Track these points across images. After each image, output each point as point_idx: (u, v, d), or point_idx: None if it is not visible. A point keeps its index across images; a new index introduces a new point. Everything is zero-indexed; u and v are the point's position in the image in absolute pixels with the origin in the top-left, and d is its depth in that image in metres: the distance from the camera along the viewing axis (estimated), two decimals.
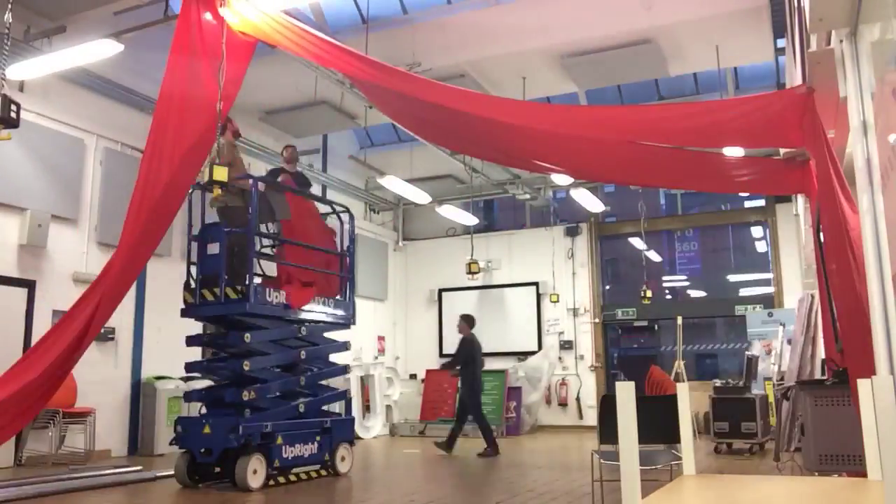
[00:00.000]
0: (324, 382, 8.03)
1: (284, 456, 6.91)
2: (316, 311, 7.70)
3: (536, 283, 15.24)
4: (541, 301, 15.18)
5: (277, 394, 7.30)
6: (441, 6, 9.46)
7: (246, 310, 6.79)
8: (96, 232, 9.36)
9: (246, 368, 6.79)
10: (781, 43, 8.85)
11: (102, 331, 8.36)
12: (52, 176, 8.85)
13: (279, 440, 6.85)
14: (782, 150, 5.83)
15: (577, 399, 14.54)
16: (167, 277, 9.70)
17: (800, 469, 5.97)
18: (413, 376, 15.30)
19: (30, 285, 8.60)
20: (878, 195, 3.45)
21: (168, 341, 9.76)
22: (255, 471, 6.52)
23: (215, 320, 7.32)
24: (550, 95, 10.63)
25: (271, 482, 6.73)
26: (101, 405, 8.98)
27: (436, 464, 9.01)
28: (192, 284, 6.99)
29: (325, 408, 7.88)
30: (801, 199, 8.99)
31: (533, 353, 14.68)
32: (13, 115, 5.24)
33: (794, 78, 5.83)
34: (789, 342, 9.07)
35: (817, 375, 7.58)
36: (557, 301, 14.98)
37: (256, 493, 6.38)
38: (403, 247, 16.34)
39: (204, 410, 7.19)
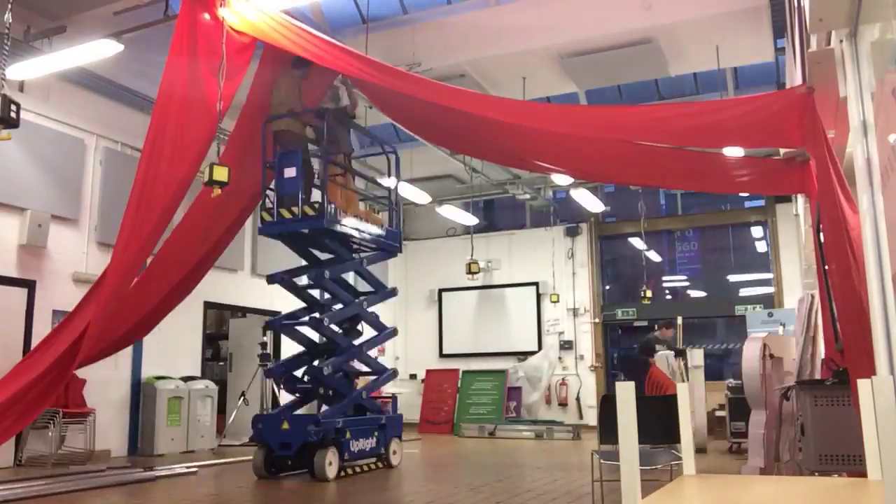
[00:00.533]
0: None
1: (352, 449, 7.61)
2: (373, 232, 8.43)
3: (536, 283, 15.23)
4: (541, 301, 15.18)
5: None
6: (441, 6, 9.46)
7: (323, 225, 7.52)
8: (96, 232, 9.37)
9: (326, 322, 7.71)
10: (781, 43, 8.84)
11: None
12: (52, 176, 8.85)
13: (348, 435, 7.54)
14: (782, 150, 5.83)
15: (577, 399, 14.54)
16: None
17: (800, 469, 5.97)
18: (413, 376, 15.31)
19: (30, 285, 8.60)
20: (878, 195, 3.44)
21: (168, 341, 9.77)
22: (330, 462, 7.19)
23: (291, 237, 8.07)
24: (550, 95, 10.62)
25: (342, 473, 7.39)
26: (101, 405, 8.98)
27: (434, 464, 9.01)
28: (269, 204, 7.69)
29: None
30: (801, 199, 8.99)
31: (533, 353, 14.67)
32: (13, 115, 5.24)
33: (794, 78, 5.83)
34: None
35: (817, 375, 7.56)
36: (557, 301, 14.98)
37: (332, 483, 7.06)
38: (403, 247, 16.31)
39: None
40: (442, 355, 15.51)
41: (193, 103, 6.37)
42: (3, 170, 8.26)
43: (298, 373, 8.26)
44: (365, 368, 8.71)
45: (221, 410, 11.09)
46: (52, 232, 8.75)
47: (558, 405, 14.58)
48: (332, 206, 7.68)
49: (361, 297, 8.52)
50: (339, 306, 8.32)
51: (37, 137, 8.62)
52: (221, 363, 12.80)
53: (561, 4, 8.76)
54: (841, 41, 3.81)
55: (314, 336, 8.55)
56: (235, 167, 6.16)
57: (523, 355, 14.74)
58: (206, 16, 6.41)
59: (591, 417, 14.30)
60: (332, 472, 7.17)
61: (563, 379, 14.69)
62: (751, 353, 5.22)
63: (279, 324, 8.39)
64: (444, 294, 15.92)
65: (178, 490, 6.70)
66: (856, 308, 3.93)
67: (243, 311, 12.34)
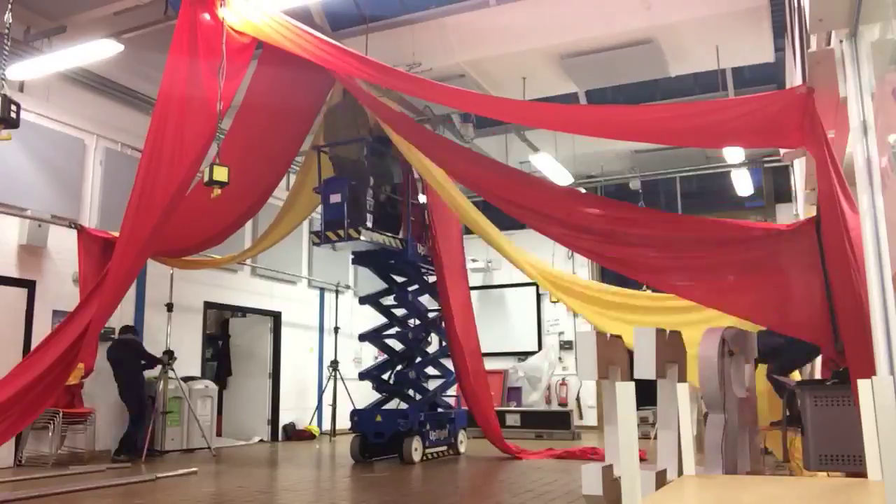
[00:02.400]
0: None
1: (431, 439, 9.14)
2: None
3: (536, 284, 15.21)
4: (541, 301, 15.17)
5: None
6: (441, 6, 9.44)
7: (408, 258, 9.07)
8: None
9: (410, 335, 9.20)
10: (781, 43, 8.84)
11: (102, 331, 8.37)
12: (52, 176, 8.85)
13: (428, 426, 9.08)
14: (782, 151, 5.82)
15: (577, 399, 14.53)
16: (167, 277, 9.70)
17: (799, 469, 5.97)
18: None
19: (30, 285, 8.60)
20: (878, 195, 3.45)
21: (168, 341, 9.75)
22: (416, 448, 8.71)
23: (376, 265, 9.42)
24: (550, 95, 10.61)
25: (424, 457, 8.90)
26: (101, 405, 8.97)
27: (435, 464, 9.01)
28: (319, 228, 8.62)
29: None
30: (801, 198, 8.98)
31: (533, 353, 14.67)
32: (13, 115, 5.24)
33: (794, 78, 5.82)
34: None
35: (817, 375, 7.57)
36: (557, 301, 14.96)
37: (418, 465, 8.57)
38: None
39: None
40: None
41: (193, 103, 6.36)
42: (3, 170, 8.26)
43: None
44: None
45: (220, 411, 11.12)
46: (52, 232, 8.74)
47: (558, 405, 14.57)
48: (413, 240, 9.09)
49: (434, 315, 9.83)
50: (413, 321, 9.71)
51: (37, 137, 8.62)
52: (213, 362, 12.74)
53: (561, 4, 8.75)
54: (841, 41, 3.81)
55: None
56: (237, 168, 6.15)
57: (523, 355, 14.74)
58: (206, 16, 6.41)
59: (592, 417, 14.31)
60: (417, 456, 8.72)
61: (563, 379, 14.68)
62: (709, 349, 4.53)
63: (371, 336, 9.74)
64: None
65: (178, 490, 6.70)
66: (856, 308, 3.93)
67: (243, 311, 12.34)
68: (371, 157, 8.71)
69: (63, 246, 8.96)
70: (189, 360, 10.48)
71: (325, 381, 12.90)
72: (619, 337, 4.57)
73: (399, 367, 9.40)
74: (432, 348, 10.23)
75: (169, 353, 9.45)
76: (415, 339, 9.57)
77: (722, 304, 5.85)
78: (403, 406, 9.31)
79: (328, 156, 8.89)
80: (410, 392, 9.50)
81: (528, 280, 15.29)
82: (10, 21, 5.66)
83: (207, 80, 6.30)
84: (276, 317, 12.54)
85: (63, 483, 6.71)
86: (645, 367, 4.15)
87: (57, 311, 8.63)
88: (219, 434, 10.98)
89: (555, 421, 12.63)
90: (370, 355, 14.82)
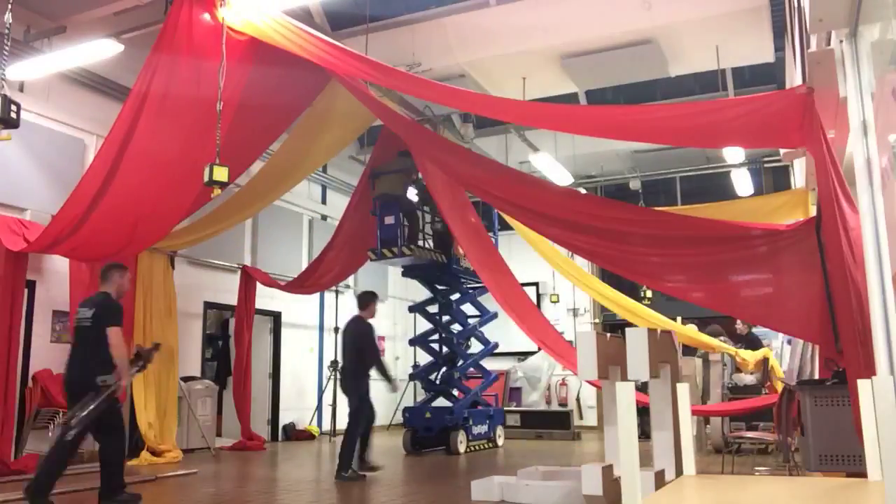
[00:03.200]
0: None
1: (474, 433, 10.26)
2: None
3: (536, 284, 15.21)
4: (541, 301, 15.16)
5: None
6: (441, 6, 9.45)
7: (452, 268, 10.44)
8: None
9: (455, 340, 10.49)
10: (781, 43, 8.84)
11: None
12: (52, 176, 8.84)
13: (471, 422, 10.18)
14: (782, 151, 5.81)
15: (578, 399, 14.53)
16: (166, 277, 9.70)
17: (799, 469, 5.97)
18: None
19: (30, 285, 8.59)
20: (878, 195, 3.45)
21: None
22: (461, 441, 9.84)
23: (425, 276, 10.71)
24: (550, 95, 10.62)
25: (468, 449, 9.99)
26: None
27: (438, 464, 9.02)
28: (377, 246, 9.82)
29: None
30: None
31: (533, 353, 14.66)
32: (13, 115, 5.23)
33: (794, 78, 5.82)
34: (789, 342, 9.06)
35: (817, 375, 7.56)
36: (557, 301, 14.97)
37: (463, 455, 9.67)
38: None
39: None
40: None
41: (184, 102, 6.36)
42: (3, 170, 8.26)
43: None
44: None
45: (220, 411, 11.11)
46: None
47: (558, 405, 14.58)
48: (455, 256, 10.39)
49: (473, 321, 10.96)
50: (456, 326, 10.80)
51: (37, 137, 8.62)
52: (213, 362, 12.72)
53: (561, 4, 8.75)
54: (841, 41, 3.81)
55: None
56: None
57: (523, 356, 14.73)
58: (206, 16, 6.40)
59: (592, 417, 14.31)
60: (461, 448, 9.82)
61: (563, 379, 14.68)
62: None
63: (419, 341, 11.03)
64: None
65: (178, 490, 6.70)
66: (855, 308, 3.93)
67: None
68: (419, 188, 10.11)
69: None
70: (189, 360, 10.49)
71: (325, 382, 12.90)
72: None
73: (444, 369, 10.59)
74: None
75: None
76: (458, 343, 10.67)
77: (721, 304, 5.86)
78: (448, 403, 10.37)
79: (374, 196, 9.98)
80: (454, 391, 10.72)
81: (528, 280, 15.36)
82: (10, 21, 5.66)
83: (207, 80, 6.29)
84: (276, 317, 12.54)
85: (63, 483, 6.69)
86: (638, 368, 4.15)
87: (57, 311, 8.63)
88: (219, 434, 10.98)
89: (555, 421, 12.66)
90: None
